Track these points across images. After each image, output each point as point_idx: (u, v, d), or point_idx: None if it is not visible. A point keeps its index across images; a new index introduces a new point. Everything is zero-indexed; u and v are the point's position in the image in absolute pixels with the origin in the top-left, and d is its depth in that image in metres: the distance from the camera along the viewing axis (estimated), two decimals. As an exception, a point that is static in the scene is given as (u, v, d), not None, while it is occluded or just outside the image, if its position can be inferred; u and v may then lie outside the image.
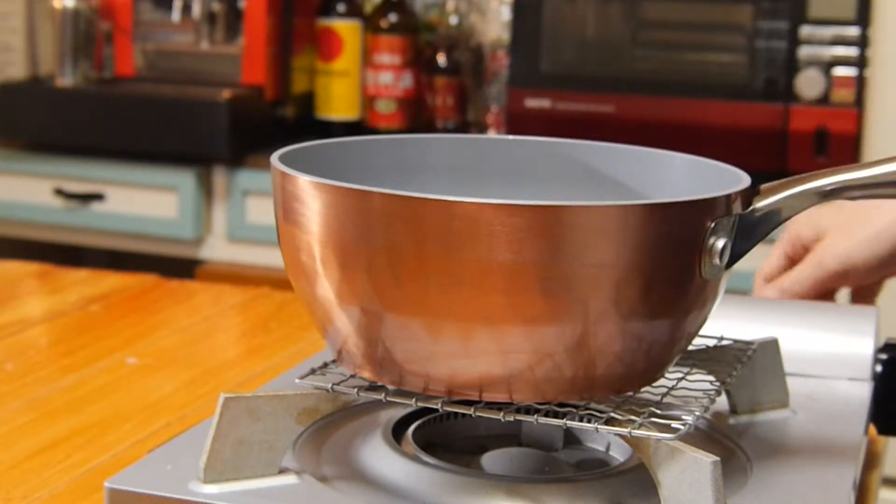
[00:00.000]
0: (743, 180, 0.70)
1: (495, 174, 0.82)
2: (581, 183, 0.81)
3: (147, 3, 2.57)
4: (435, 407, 0.67)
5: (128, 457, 0.82)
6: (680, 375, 0.74)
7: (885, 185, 0.70)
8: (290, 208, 0.67)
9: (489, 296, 0.63)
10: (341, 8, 2.51)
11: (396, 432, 0.75)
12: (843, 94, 2.11)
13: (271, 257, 2.30)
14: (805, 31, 2.12)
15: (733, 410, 0.80)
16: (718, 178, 0.73)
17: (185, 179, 2.39)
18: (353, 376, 0.70)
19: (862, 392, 0.86)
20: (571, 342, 0.64)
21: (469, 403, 0.67)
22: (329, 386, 0.69)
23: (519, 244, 0.61)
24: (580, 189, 0.81)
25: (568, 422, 0.66)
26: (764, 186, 0.70)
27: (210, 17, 2.51)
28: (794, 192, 0.70)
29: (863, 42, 2.11)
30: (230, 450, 0.66)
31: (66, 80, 2.51)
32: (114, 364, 1.03)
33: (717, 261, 0.66)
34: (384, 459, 0.71)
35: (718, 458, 0.61)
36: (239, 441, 0.67)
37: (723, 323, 0.81)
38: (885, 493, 1.04)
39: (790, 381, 0.82)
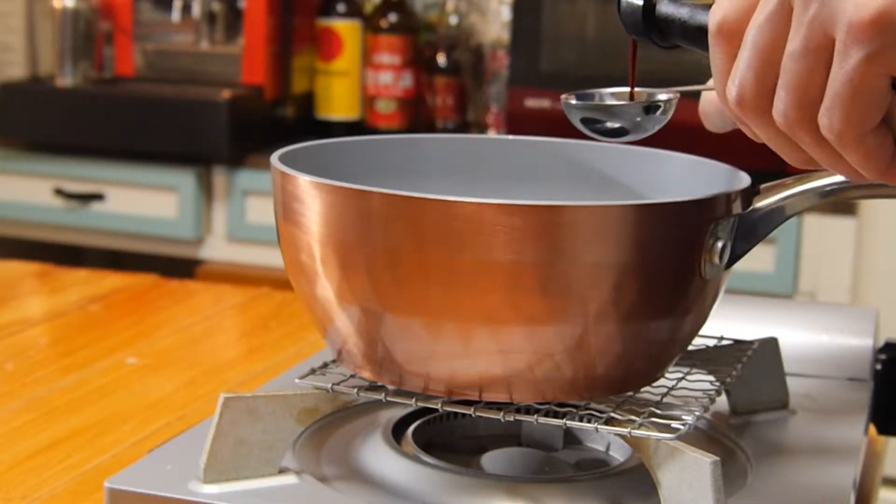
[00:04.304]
0: (743, 180, 0.70)
1: (495, 174, 0.82)
2: (581, 183, 0.81)
3: (147, 3, 2.57)
4: (435, 407, 0.67)
5: (128, 457, 0.82)
6: (680, 375, 0.73)
7: (885, 185, 0.70)
8: (290, 208, 0.67)
9: (489, 296, 0.63)
10: (341, 8, 2.51)
11: (396, 432, 0.75)
12: (843, 94, 2.11)
13: (271, 257, 2.30)
14: (805, 31, 2.12)
15: (733, 410, 0.80)
16: (718, 178, 0.73)
17: (185, 179, 2.39)
18: (353, 376, 0.70)
19: (862, 392, 0.86)
20: (571, 342, 0.64)
21: (469, 403, 0.67)
22: (329, 386, 0.69)
23: (519, 244, 0.61)
24: (580, 189, 0.81)
25: (568, 422, 0.66)
26: (764, 186, 0.70)
27: (210, 17, 2.51)
28: (794, 192, 0.70)
29: (863, 42, 2.10)
30: (230, 450, 0.66)
31: (66, 80, 2.51)
32: (114, 364, 1.03)
33: (717, 261, 0.66)
34: (384, 459, 0.71)
35: (718, 458, 0.61)
36: (239, 441, 0.67)
37: (723, 323, 0.81)
38: (885, 493, 1.04)
39: (790, 381, 0.82)
